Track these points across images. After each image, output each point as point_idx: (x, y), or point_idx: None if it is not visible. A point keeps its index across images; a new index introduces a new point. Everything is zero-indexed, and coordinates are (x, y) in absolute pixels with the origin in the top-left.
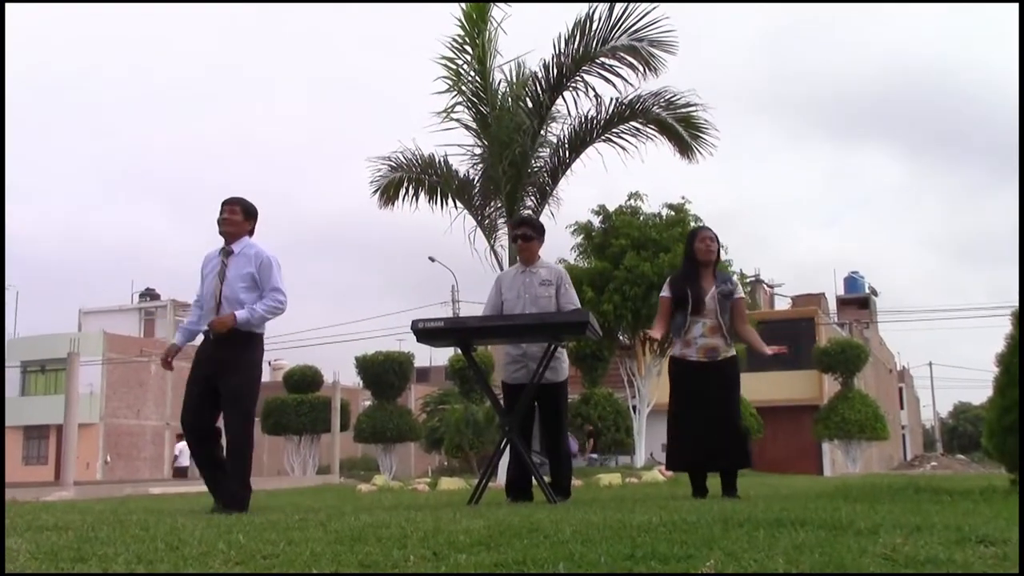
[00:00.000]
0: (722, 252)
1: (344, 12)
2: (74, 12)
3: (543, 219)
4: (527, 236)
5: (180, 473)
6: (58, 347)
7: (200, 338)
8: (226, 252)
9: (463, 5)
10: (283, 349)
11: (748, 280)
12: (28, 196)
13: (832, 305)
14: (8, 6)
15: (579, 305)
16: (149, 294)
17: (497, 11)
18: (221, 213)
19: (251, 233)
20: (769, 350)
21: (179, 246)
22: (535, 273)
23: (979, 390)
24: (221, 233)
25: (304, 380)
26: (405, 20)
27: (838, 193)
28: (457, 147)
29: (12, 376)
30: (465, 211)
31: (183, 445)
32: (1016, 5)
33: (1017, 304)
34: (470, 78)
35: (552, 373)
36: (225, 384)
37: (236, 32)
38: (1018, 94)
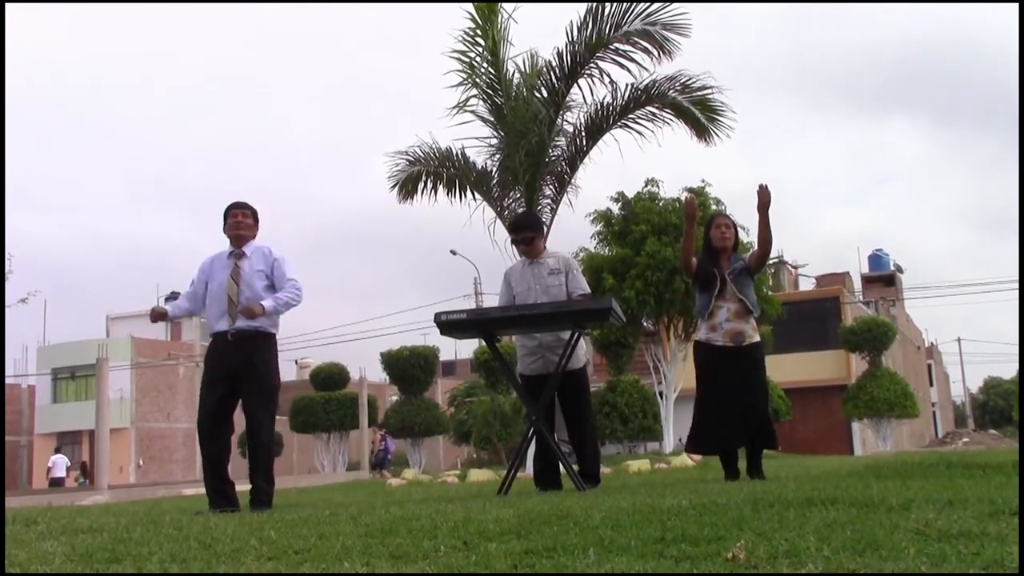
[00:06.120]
0: (743, 235)
1: (353, 14)
2: (96, 26)
3: (562, 207)
4: (529, 240)
5: (56, 483)
6: (87, 353)
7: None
8: (236, 255)
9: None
10: (309, 347)
11: (772, 262)
12: (53, 207)
13: (857, 284)
14: (31, 21)
15: (588, 290)
16: (174, 297)
17: (508, 3)
18: (233, 217)
19: (254, 237)
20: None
21: (202, 250)
22: (543, 264)
23: (1010, 364)
24: (233, 236)
25: (331, 378)
26: (415, 17)
27: (862, 169)
28: (474, 139)
29: (43, 383)
30: (484, 203)
31: (57, 458)
32: (1016, 5)
33: None
34: (484, 70)
35: (569, 360)
36: (251, 385)
37: (248, 39)
38: (1018, 93)
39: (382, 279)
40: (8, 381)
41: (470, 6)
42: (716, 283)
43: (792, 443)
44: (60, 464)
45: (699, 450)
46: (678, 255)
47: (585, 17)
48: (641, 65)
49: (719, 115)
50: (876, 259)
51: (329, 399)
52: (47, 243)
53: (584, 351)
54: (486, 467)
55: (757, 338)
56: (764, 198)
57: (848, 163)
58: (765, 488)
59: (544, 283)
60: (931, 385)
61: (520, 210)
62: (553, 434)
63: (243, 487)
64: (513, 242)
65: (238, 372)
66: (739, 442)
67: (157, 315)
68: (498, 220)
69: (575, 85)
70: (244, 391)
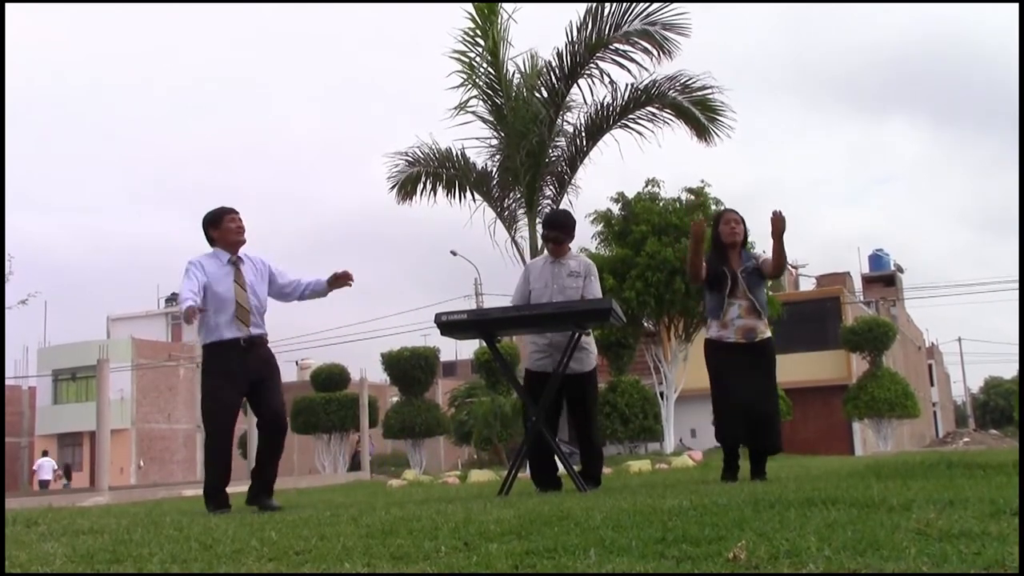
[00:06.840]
0: (748, 234)
1: (353, 14)
2: (96, 26)
3: (562, 208)
4: (558, 240)
5: (42, 486)
6: (88, 355)
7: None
8: (233, 261)
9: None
10: (310, 348)
11: None
12: (53, 207)
13: (858, 284)
14: (31, 21)
15: (600, 297)
16: (175, 299)
17: (508, 3)
18: (232, 222)
19: None
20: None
21: (202, 250)
22: (564, 264)
23: (1010, 363)
24: (235, 242)
25: (331, 378)
26: (415, 17)
27: (862, 169)
28: (474, 140)
29: (44, 385)
30: (484, 203)
31: (43, 460)
32: (1016, 5)
33: None
34: (484, 70)
35: (577, 364)
36: (272, 384)
37: (248, 39)
38: (1018, 93)
39: (382, 279)
40: (8, 382)
41: (470, 6)
42: (727, 281)
43: (793, 443)
44: (46, 467)
45: (730, 442)
46: (679, 256)
47: (585, 17)
48: (641, 65)
49: (719, 115)
50: (877, 259)
51: (329, 400)
52: (47, 243)
53: (595, 355)
54: (487, 468)
55: (768, 334)
56: (779, 227)
57: (848, 163)
58: (766, 488)
59: (562, 283)
60: (932, 385)
61: (522, 210)
62: (555, 434)
63: (238, 488)
64: (544, 238)
65: (259, 374)
66: (746, 441)
67: (193, 313)
68: (498, 221)
69: (575, 85)
70: (265, 390)
